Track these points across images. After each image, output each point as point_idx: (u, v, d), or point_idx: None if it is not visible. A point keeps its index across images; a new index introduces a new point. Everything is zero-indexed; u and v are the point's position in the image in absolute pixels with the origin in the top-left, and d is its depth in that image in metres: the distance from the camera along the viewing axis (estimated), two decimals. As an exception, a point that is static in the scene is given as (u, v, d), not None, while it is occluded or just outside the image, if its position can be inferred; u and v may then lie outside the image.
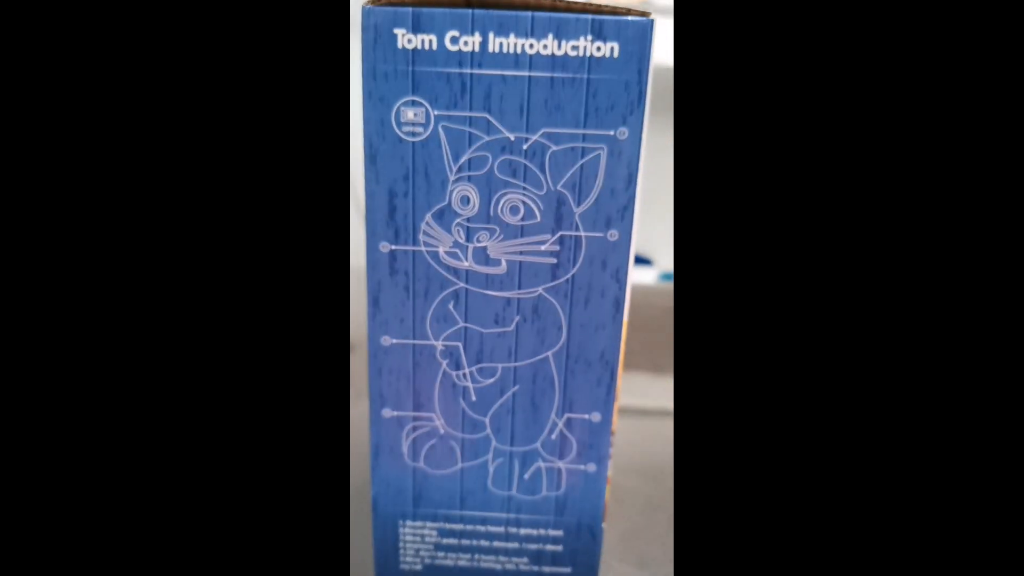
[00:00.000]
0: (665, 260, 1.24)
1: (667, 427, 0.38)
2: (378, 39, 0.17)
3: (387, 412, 0.21)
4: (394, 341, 0.20)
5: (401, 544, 0.23)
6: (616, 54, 0.17)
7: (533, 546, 0.22)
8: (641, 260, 1.25)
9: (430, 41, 0.17)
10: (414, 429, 0.21)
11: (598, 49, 0.17)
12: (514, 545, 0.22)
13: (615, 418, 0.21)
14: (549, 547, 0.22)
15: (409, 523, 0.22)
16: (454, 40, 0.17)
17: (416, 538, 0.22)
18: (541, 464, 0.21)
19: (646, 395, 0.41)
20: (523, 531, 0.22)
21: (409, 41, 0.18)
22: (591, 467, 0.21)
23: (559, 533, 0.22)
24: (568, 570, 0.23)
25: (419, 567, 0.23)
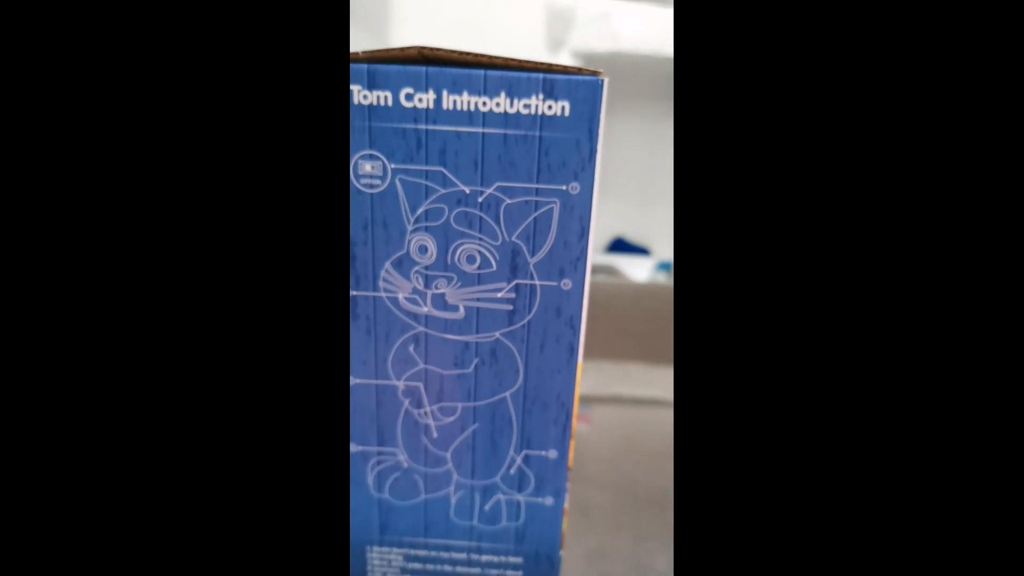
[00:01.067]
0: (662, 250, 1.24)
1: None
2: (334, 96, 0.18)
3: (352, 447, 0.22)
4: (357, 381, 0.21)
5: (369, 568, 0.23)
6: (567, 113, 0.18)
7: (494, 572, 0.23)
8: (639, 250, 1.25)
9: (386, 97, 0.18)
10: (378, 463, 0.22)
11: (549, 108, 0.18)
12: (476, 571, 0.23)
13: (571, 454, 0.22)
14: (510, 573, 0.23)
15: (376, 549, 0.23)
16: (409, 97, 0.18)
17: (383, 562, 0.23)
18: (501, 496, 0.22)
19: (638, 384, 0.41)
20: (484, 558, 0.23)
21: (365, 97, 0.18)
22: (548, 500, 0.22)
23: (519, 560, 0.23)
24: (529, 594, 0.24)
25: (386, 589, 0.24)
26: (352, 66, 0.18)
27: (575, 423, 0.21)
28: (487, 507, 0.22)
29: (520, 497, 0.22)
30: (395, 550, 0.23)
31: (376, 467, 0.22)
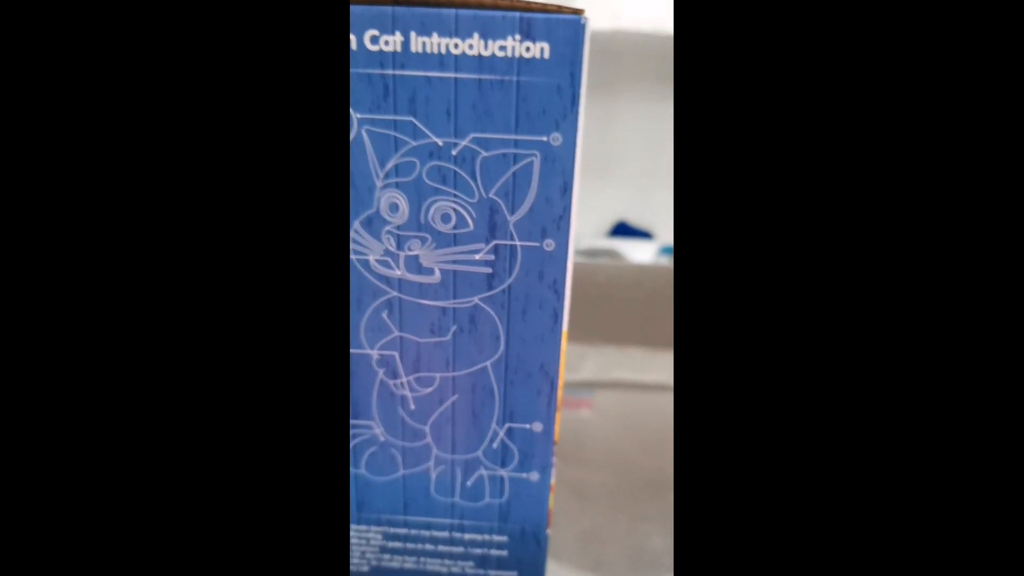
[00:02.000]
0: (665, 234, 1.22)
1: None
2: (294, 39, 0.16)
3: (325, 420, 0.21)
4: (328, 350, 0.20)
5: (347, 547, 0.22)
6: (547, 55, 0.16)
7: (478, 551, 0.22)
8: (641, 233, 1.24)
9: (349, 40, 0.16)
10: (353, 436, 0.21)
11: (527, 49, 0.16)
12: (459, 549, 0.22)
13: (557, 428, 0.20)
14: (494, 552, 0.22)
15: (353, 527, 0.22)
16: (374, 40, 0.16)
17: (361, 541, 0.22)
18: (483, 472, 0.21)
19: (640, 369, 0.40)
20: (467, 536, 0.22)
21: (327, 41, 0.16)
22: (534, 476, 0.21)
23: (504, 539, 0.22)
24: (514, 574, 0.22)
25: (365, 568, 0.23)
26: (314, 6, 0.16)
27: (560, 394, 0.20)
28: (469, 483, 0.21)
29: (504, 472, 0.21)
30: (373, 528, 0.22)
31: (351, 441, 0.21)
